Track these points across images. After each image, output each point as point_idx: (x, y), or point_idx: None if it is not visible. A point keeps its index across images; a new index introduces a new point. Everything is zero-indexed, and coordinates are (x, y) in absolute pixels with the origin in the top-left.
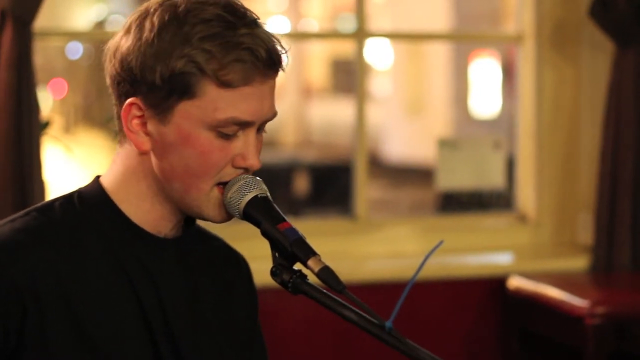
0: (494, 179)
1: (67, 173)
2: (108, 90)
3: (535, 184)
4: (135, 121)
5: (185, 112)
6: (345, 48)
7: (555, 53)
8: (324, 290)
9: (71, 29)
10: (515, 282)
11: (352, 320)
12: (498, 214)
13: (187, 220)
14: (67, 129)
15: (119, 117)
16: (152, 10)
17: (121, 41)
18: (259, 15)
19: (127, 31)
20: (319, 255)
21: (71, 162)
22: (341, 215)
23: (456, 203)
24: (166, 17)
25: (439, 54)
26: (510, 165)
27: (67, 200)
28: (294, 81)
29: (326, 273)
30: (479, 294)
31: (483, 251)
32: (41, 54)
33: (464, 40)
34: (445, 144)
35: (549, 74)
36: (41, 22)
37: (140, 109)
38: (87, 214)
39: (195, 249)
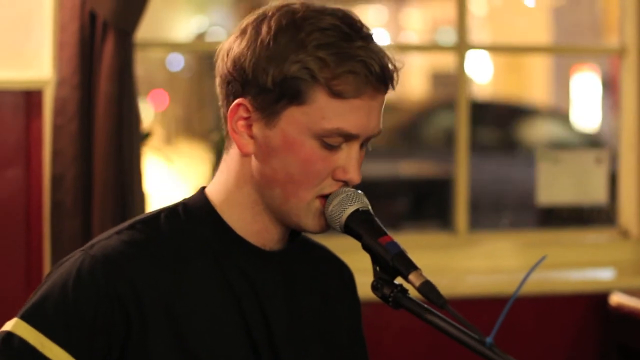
0: (596, 194)
1: (168, 184)
2: (208, 102)
3: (638, 199)
4: (241, 122)
5: (293, 117)
6: (446, 61)
7: None
8: (425, 305)
9: (172, 40)
10: (617, 299)
11: (453, 335)
12: (600, 229)
13: (293, 233)
14: (168, 140)
15: (225, 119)
16: (270, 14)
17: (235, 42)
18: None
19: (243, 32)
20: (420, 270)
21: (171, 173)
22: (441, 229)
23: (556, 218)
24: (284, 22)
25: (540, 67)
26: (613, 180)
27: (172, 211)
28: (394, 93)
29: (427, 287)
30: (579, 310)
31: (584, 267)
32: (142, 65)
33: (565, 53)
34: (546, 158)
35: None
36: (142, 33)
37: (247, 110)
38: (191, 226)
39: (299, 263)
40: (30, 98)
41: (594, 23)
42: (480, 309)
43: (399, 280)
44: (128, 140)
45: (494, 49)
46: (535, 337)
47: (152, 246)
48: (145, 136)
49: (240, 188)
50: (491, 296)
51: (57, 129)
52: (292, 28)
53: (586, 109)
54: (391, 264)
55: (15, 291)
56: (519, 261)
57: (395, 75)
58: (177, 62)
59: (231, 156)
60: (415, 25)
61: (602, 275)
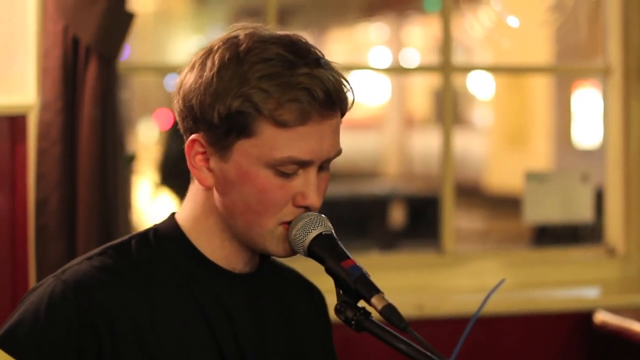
0: (582, 212)
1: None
2: None
3: (624, 216)
4: (199, 157)
5: (244, 150)
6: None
7: None
8: (387, 328)
9: (164, 62)
10: (601, 317)
11: (415, 358)
12: (587, 247)
13: (262, 255)
14: None
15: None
16: (215, 48)
17: (185, 78)
18: (353, 46)
19: (192, 68)
20: (382, 293)
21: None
22: (428, 248)
23: (551, 235)
24: (227, 56)
25: (541, 84)
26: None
27: (143, 237)
28: (396, 112)
29: (389, 311)
30: (564, 329)
31: (571, 284)
32: (138, 86)
33: (553, 73)
34: (533, 177)
35: (637, 106)
36: (140, 55)
37: (202, 145)
38: (162, 250)
39: (268, 284)
40: (14, 123)
41: (592, 41)
42: (464, 327)
43: (362, 304)
44: (112, 164)
45: (479, 68)
46: (521, 356)
47: (123, 271)
48: (130, 159)
49: (207, 218)
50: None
51: (41, 153)
52: (235, 62)
53: (587, 125)
54: (353, 288)
55: (1, 314)
56: (505, 280)
57: (344, 97)
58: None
59: (196, 186)
60: (417, 43)
61: (587, 294)
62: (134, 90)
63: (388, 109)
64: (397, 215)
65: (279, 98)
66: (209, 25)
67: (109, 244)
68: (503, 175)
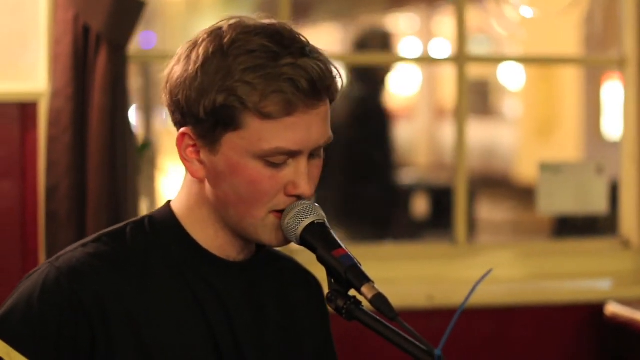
0: (597, 204)
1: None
2: None
3: (639, 208)
4: (190, 149)
5: (232, 143)
6: (478, 69)
7: None
8: (377, 317)
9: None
10: (612, 309)
11: (403, 347)
12: (602, 238)
13: (258, 244)
14: None
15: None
16: (199, 40)
17: (172, 71)
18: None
19: (177, 61)
20: (373, 282)
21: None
22: (443, 239)
23: (571, 227)
24: (211, 49)
25: (571, 76)
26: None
27: (138, 224)
28: (426, 102)
29: (379, 300)
30: (576, 320)
31: (585, 276)
32: (159, 75)
33: (572, 63)
34: (548, 168)
35: None
36: (169, 44)
37: (192, 138)
38: (157, 238)
39: (264, 273)
40: (25, 110)
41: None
42: (477, 319)
43: (353, 293)
44: (121, 151)
45: (494, 60)
46: (531, 348)
47: (117, 259)
48: (144, 147)
49: (200, 208)
50: (489, 306)
51: (51, 140)
52: (219, 55)
53: (617, 117)
54: (344, 277)
55: None
56: (518, 271)
57: (331, 84)
58: None
59: (189, 177)
60: (447, 33)
61: (599, 285)
62: (162, 78)
63: (418, 99)
64: (421, 206)
65: (263, 90)
66: (237, 14)
67: (104, 230)
68: (532, 166)
